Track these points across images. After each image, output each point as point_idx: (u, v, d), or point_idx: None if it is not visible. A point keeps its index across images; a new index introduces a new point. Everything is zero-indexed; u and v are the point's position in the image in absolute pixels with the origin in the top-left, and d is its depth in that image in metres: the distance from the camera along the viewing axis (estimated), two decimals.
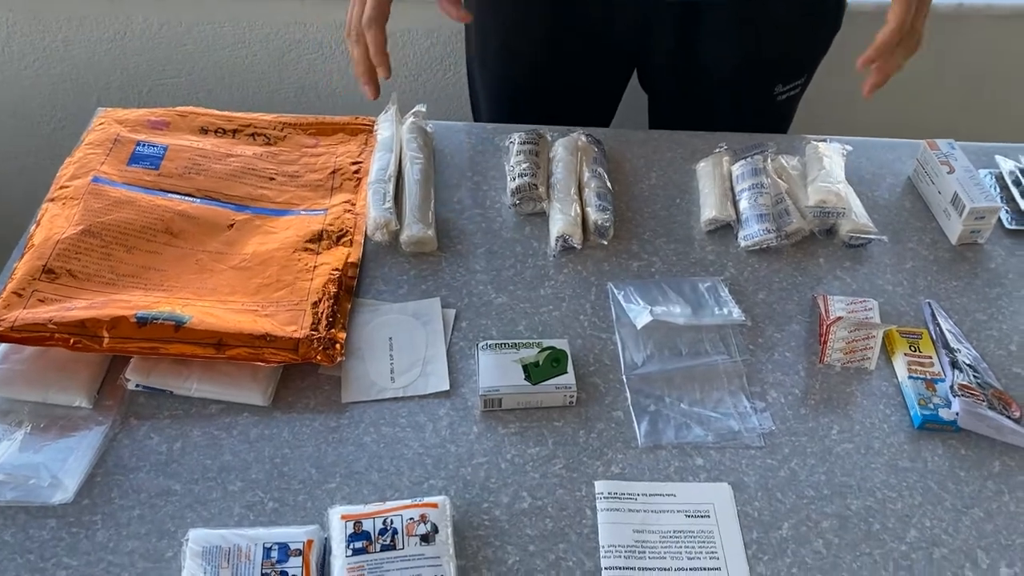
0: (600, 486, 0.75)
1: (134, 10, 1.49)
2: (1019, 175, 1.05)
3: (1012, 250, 0.98)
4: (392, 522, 0.69)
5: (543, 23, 1.11)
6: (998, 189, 1.05)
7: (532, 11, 1.11)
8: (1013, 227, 1.00)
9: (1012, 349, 0.88)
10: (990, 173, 1.07)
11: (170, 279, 0.87)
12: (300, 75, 1.57)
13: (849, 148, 1.04)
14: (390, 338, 0.85)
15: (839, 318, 0.83)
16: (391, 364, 0.83)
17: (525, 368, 0.81)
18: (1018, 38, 1.46)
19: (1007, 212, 1.02)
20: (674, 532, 0.72)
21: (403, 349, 0.84)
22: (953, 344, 0.86)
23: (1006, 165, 1.07)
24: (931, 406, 0.80)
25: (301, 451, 0.76)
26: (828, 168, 0.98)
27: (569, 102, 1.19)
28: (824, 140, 1.04)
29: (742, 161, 1.01)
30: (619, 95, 1.25)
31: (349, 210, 0.97)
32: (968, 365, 0.83)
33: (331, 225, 0.95)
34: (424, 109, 1.07)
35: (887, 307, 0.91)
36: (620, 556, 0.70)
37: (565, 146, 1.03)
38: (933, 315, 0.89)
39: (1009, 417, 0.79)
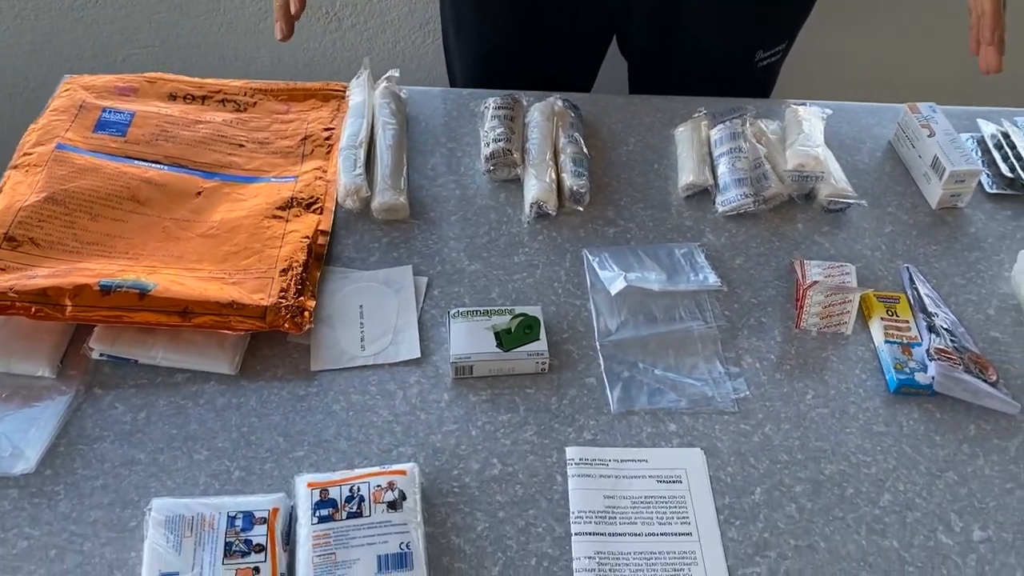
0: (571, 452, 0.74)
1: None
2: (1001, 139, 1.04)
3: (992, 214, 0.97)
4: (359, 489, 0.68)
5: None
6: (980, 153, 1.04)
7: None
8: (994, 191, 0.99)
9: (990, 313, 0.87)
10: (972, 137, 1.06)
11: (136, 247, 0.85)
12: (275, 44, 1.54)
13: (829, 112, 1.03)
14: (361, 306, 0.84)
15: (815, 282, 0.82)
16: (361, 332, 0.82)
17: (497, 335, 0.79)
18: None
19: (988, 176, 1.01)
20: (645, 498, 0.71)
21: (374, 317, 0.83)
22: (931, 308, 0.85)
23: (988, 129, 1.05)
24: (907, 370, 0.79)
25: (268, 420, 0.75)
26: (807, 132, 0.96)
27: (546, 68, 1.17)
28: (803, 104, 1.02)
29: (720, 125, 0.99)
30: (599, 61, 1.23)
31: (320, 177, 0.95)
32: (945, 329, 0.83)
33: (301, 192, 0.93)
34: (397, 74, 1.05)
35: (865, 272, 0.90)
36: (590, 522, 0.69)
37: (541, 111, 1.01)
38: (911, 279, 0.88)
39: (986, 381, 0.79)
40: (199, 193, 0.92)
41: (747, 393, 0.79)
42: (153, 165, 0.93)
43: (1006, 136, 1.03)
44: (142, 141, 0.96)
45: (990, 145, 1.03)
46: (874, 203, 0.97)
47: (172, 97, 1.03)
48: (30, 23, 1.51)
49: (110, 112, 0.98)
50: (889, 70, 1.56)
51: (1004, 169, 1.00)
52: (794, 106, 1.01)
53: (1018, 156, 1.01)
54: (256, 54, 1.55)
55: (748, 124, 0.98)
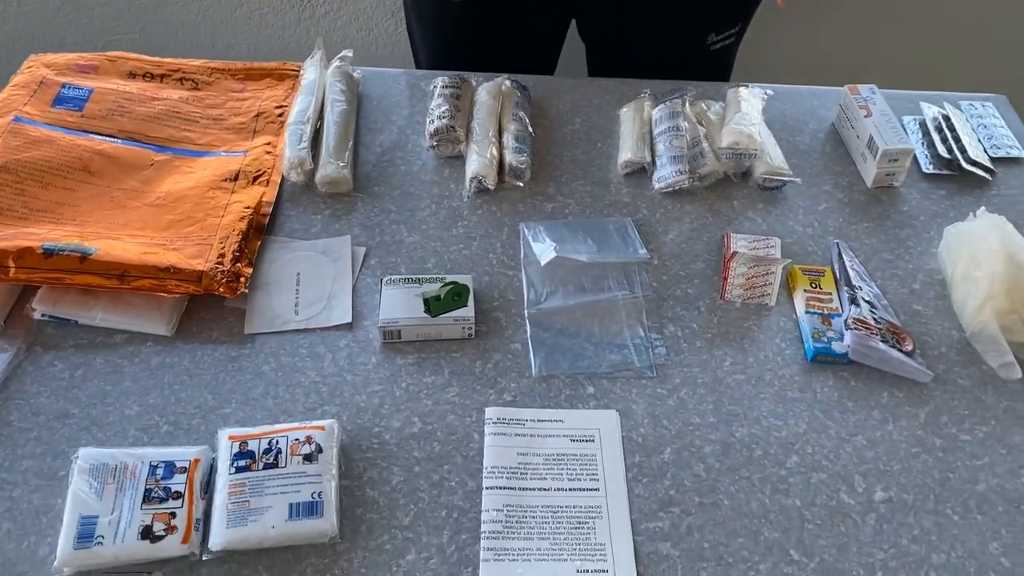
0: (490, 412, 0.76)
1: None
2: (941, 121, 1.05)
3: (927, 193, 0.99)
4: (278, 442, 0.70)
5: None
6: (921, 135, 1.05)
7: None
8: (930, 171, 1.01)
9: (915, 287, 0.89)
10: (914, 119, 1.07)
11: (83, 214, 0.88)
12: (252, 30, 1.57)
13: (770, 93, 1.05)
14: (298, 273, 0.86)
15: (735, 253, 0.84)
16: (296, 298, 0.84)
17: (426, 302, 0.82)
18: None
19: (926, 156, 1.02)
20: (558, 455, 0.73)
21: (310, 284, 0.86)
22: (855, 282, 0.87)
23: (930, 112, 1.07)
24: (824, 339, 0.81)
25: (200, 379, 0.78)
26: (745, 111, 0.98)
27: (505, 51, 1.19)
28: (746, 86, 1.04)
29: (661, 105, 1.01)
30: (558, 44, 1.26)
31: (269, 152, 0.98)
32: (867, 301, 0.84)
33: (249, 166, 0.96)
34: (351, 55, 1.08)
35: (796, 247, 0.92)
36: (502, 477, 0.72)
37: (488, 90, 1.03)
38: (840, 254, 0.90)
39: (901, 350, 0.80)
40: (151, 165, 0.95)
41: (666, 359, 0.81)
42: (107, 139, 0.96)
43: (947, 119, 1.05)
44: (98, 116, 0.99)
45: (931, 127, 1.05)
46: (811, 182, 0.99)
47: (132, 75, 1.06)
48: (13, 10, 1.55)
49: (69, 88, 1.01)
50: (864, 57, 1.57)
51: (942, 150, 1.02)
52: (736, 88, 1.03)
53: (956, 138, 1.02)
54: (233, 41, 1.59)
55: (687, 104, 1.00)
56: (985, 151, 1.03)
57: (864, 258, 0.91)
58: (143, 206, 0.90)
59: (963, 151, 1.01)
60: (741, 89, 1.03)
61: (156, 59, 1.08)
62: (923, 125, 1.06)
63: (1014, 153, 1.03)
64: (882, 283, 0.89)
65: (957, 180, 1.00)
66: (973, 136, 1.04)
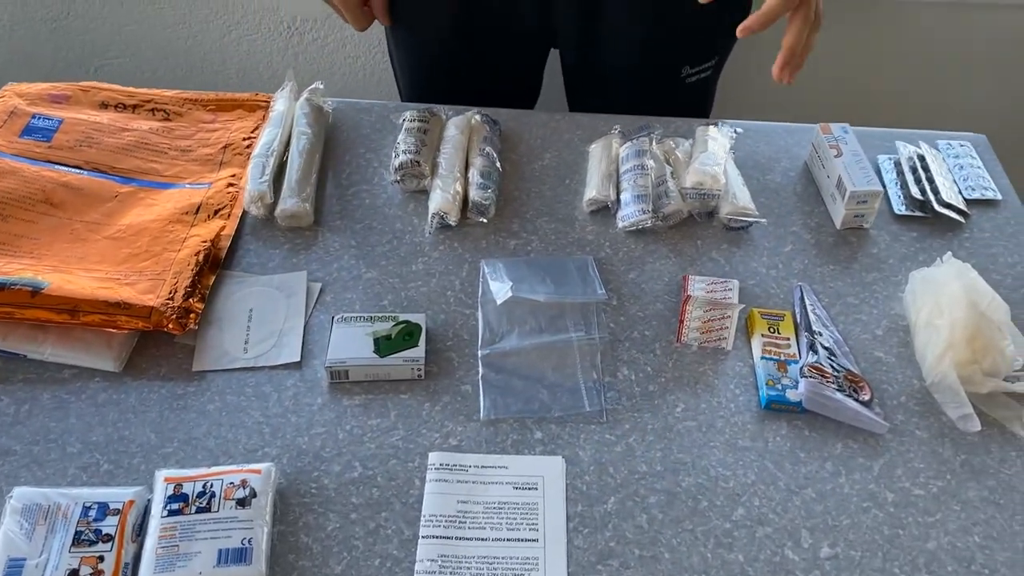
0: (433, 457, 0.75)
1: None
2: (916, 161, 1.04)
3: (897, 235, 0.97)
4: (212, 486, 0.70)
5: (448, 5, 1.11)
6: (895, 175, 1.04)
7: None
8: (903, 212, 0.99)
9: (878, 333, 0.87)
10: (890, 159, 1.06)
11: (41, 247, 0.88)
12: (242, 56, 1.58)
13: (740, 131, 1.04)
14: (251, 309, 0.86)
15: (689, 296, 0.83)
16: (247, 335, 0.84)
17: (376, 341, 0.81)
18: (955, 25, 1.44)
19: (899, 197, 1.01)
20: (499, 504, 0.72)
21: (261, 320, 0.85)
22: (816, 327, 0.85)
23: (905, 151, 1.05)
24: (779, 387, 0.80)
25: (144, 416, 0.78)
26: (711, 150, 0.97)
27: (483, 82, 1.19)
28: (715, 124, 1.03)
29: (628, 143, 1.01)
30: (538, 75, 1.25)
31: (233, 184, 0.98)
32: (825, 347, 0.83)
33: (211, 198, 0.96)
34: (321, 86, 1.08)
35: (758, 290, 0.90)
36: (440, 526, 0.70)
37: (456, 125, 1.03)
38: (802, 298, 0.88)
39: (858, 400, 0.79)
40: (115, 197, 0.95)
41: (618, 404, 0.80)
42: (73, 170, 0.97)
43: (922, 158, 1.03)
44: (65, 147, 0.99)
45: (905, 167, 1.03)
46: (779, 222, 0.98)
47: (104, 105, 1.07)
48: (6, 33, 1.57)
49: (39, 118, 1.02)
50: (855, 93, 1.56)
51: (915, 191, 1.00)
52: (705, 125, 1.02)
53: (930, 179, 1.01)
54: (222, 67, 1.60)
55: (654, 142, 1.00)
56: (960, 192, 1.01)
57: (828, 302, 0.89)
58: (102, 239, 0.90)
59: (936, 192, 0.99)
60: (710, 127, 1.02)
61: (129, 89, 1.09)
62: (898, 165, 1.05)
63: (989, 195, 1.01)
64: (844, 328, 0.87)
65: (929, 222, 0.98)
66: (948, 177, 1.03)
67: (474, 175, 0.98)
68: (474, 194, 0.96)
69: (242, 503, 0.69)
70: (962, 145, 1.08)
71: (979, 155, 1.07)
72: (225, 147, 1.03)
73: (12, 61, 1.59)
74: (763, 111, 1.45)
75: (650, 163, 0.97)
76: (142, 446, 0.75)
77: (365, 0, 1.10)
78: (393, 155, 0.99)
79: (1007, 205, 1.01)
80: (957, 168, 1.04)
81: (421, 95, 1.22)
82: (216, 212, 0.94)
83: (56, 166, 0.97)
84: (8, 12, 1.54)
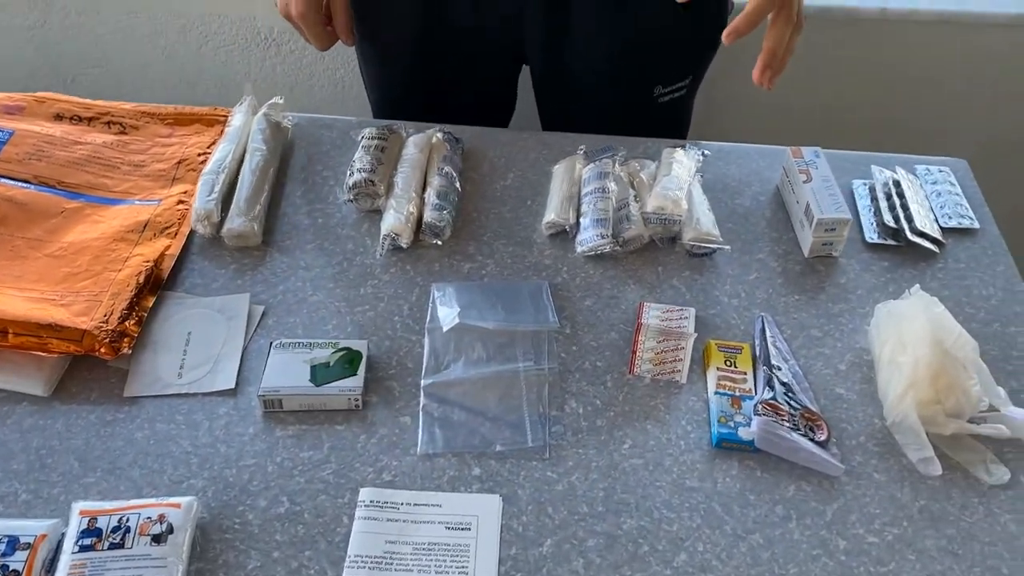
0: (364, 493, 0.72)
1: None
2: (891, 187, 1.00)
3: (868, 264, 0.93)
4: (128, 520, 0.67)
5: (413, 21, 1.09)
6: (870, 200, 1.00)
7: (399, 13, 1.08)
8: (875, 240, 0.95)
9: (841, 368, 0.83)
10: (864, 184, 1.02)
11: None
12: (218, 67, 1.56)
13: (707, 153, 1.00)
14: (189, 333, 0.83)
15: (640, 325, 0.80)
16: (183, 359, 0.81)
17: (313, 369, 0.78)
18: (939, 45, 1.41)
19: (872, 225, 0.97)
20: (429, 544, 0.69)
21: (199, 344, 0.82)
22: (775, 361, 0.81)
23: (881, 176, 1.02)
24: (731, 424, 0.76)
25: (70, 443, 0.75)
26: (675, 173, 0.94)
27: (454, 99, 1.16)
28: (683, 146, 1.00)
29: (592, 164, 0.97)
30: (511, 91, 1.22)
31: (183, 201, 0.95)
32: (783, 383, 0.79)
33: (160, 216, 0.93)
34: (281, 101, 1.06)
35: (718, 319, 0.87)
36: (364, 567, 0.67)
37: (416, 143, 1.00)
38: (763, 329, 0.85)
39: (813, 440, 0.75)
40: (61, 213, 0.93)
41: (562, 439, 0.76)
42: (20, 184, 0.94)
43: (897, 184, 1.00)
44: (14, 160, 0.97)
45: (879, 193, 1.00)
46: (745, 249, 0.94)
47: (59, 117, 1.04)
48: None
49: None
50: (846, 115, 1.52)
51: (888, 219, 0.96)
52: (670, 147, 0.99)
53: (904, 206, 0.97)
54: (198, 78, 1.58)
55: (617, 164, 0.96)
56: (936, 220, 0.98)
57: (790, 334, 0.86)
58: (43, 257, 0.88)
59: (910, 220, 0.95)
60: (677, 150, 0.98)
61: (86, 101, 1.06)
62: (872, 190, 1.01)
63: (965, 223, 0.97)
64: (806, 362, 0.83)
65: (902, 251, 0.95)
66: (924, 204, 0.99)
67: (430, 195, 0.95)
68: (428, 215, 0.93)
69: (157, 539, 0.66)
70: (941, 170, 1.04)
71: (959, 181, 1.03)
72: (179, 162, 1.00)
73: None
74: (745, 132, 1.42)
75: (612, 186, 0.94)
76: (64, 475, 0.73)
77: (328, 19, 1.07)
78: (348, 173, 0.96)
79: (984, 234, 0.97)
80: (934, 195, 1.01)
81: (391, 112, 1.19)
82: (163, 230, 0.92)
83: (3, 180, 0.94)
84: None
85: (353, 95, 1.56)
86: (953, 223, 0.98)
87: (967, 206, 1.00)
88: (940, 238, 0.95)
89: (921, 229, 0.95)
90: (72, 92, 1.56)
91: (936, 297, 0.85)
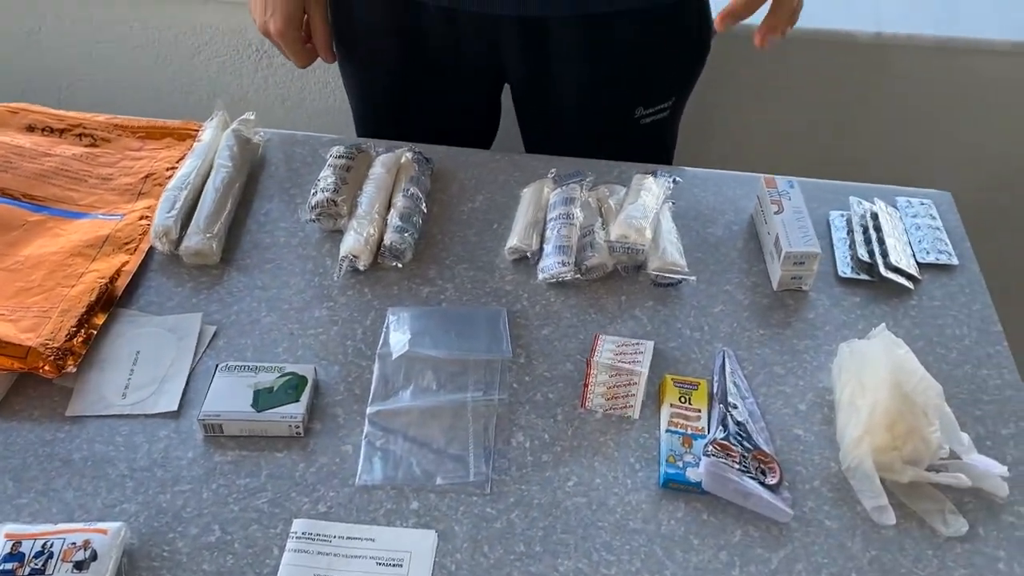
0: (297, 524, 0.70)
1: (47, 6, 1.50)
2: (868, 220, 0.97)
3: (839, 299, 0.91)
4: (52, 545, 0.66)
5: (393, 39, 1.07)
6: (846, 232, 0.98)
7: (378, 34, 1.08)
8: (847, 275, 0.93)
9: (801, 408, 0.81)
10: (842, 215, 1.00)
11: None
12: (211, 77, 1.56)
13: (679, 180, 0.98)
14: (138, 352, 0.82)
15: (588, 360, 0.78)
16: (128, 379, 0.80)
17: (256, 394, 0.77)
18: (934, 71, 1.37)
19: (846, 259, 0.94)
20: None
21: (147, 364, 0.81)
22: (732, 399, 0.79)
23: (859, 208, 0.99)
24: (680, 464, 0.74)
25: (7, 463, 0.74)
26: (642, 201, 0.92)
27: (434, 120, 1.15)
28: (653, 172, 0.98)
29: (559, 189, 0.96)
30: (493, 112, 1.21)
31: (146, 216, 0.95)
32: (738, 422, 0.77)
33: (120, 231, 0.92)
34: (252, 117, 1.05)
35: (677, 353, 0.85)
36: None
37: (383, 163, 0.99)
38: (723, 365, 0.83)
39: (764, 483, 0.73)
40: (22, 226, 0.92)
41: (505, 475, 0.74)
42: None
43: (875, 217, 0.97)
44: None
45: (855, 225, 0.97)
46: (712, 280, 0.92)
47: (30, 128, 1.04)
48: None
49: None
50: (843, 147, 1.49)
51: (862, 253, 0.94)
52: (641, 173, 0.97)
53: (881, 240, 0.94)
54: (191, 87, 1.57)
55: (584, 189, 0.95)
56: (913, 255, 0.95)
57: (751, 370, 0.83)
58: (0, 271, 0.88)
59: (885, 255, 0.93)
60: (648, 177, 0.96)
61: (59, 113, 1.06)
62: (849, 222, 0.98)
63: (943, 259, 0.94)
64: (765, 400, 0.81)
65: (876, 287, 0.92)
66: (902, 238, 0.96)
67: (393, 217, 0.93)
68: (389, 237, 0.91)
69: (80, 566, 0.65)
70: (923, 203, 1.01)
71: (942, 214, 1.00)
72: (146, 177, 1.00)
73: None
74: (734, 159, 1.40)
75: (577, 212, 0.92)
76: None
77: (308, 36, 1.07)
78: (312, 192, 0.95)
79: (963, 271, 0.94)
80: (913, 228, 0.98)
81: (373, 130, 1.18)
82: (123, 245, 0.91)
83: None
84: None
85: (346, 107, 1.54)
86: (931, 258, 0.95)
87: (947, 241, 0.97)
88: (916, 274, 0.93)
89: (896, 264, 0.92)
90: (67, 99, 1.58)
91: (908, 335, 0.83)
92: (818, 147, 1.45)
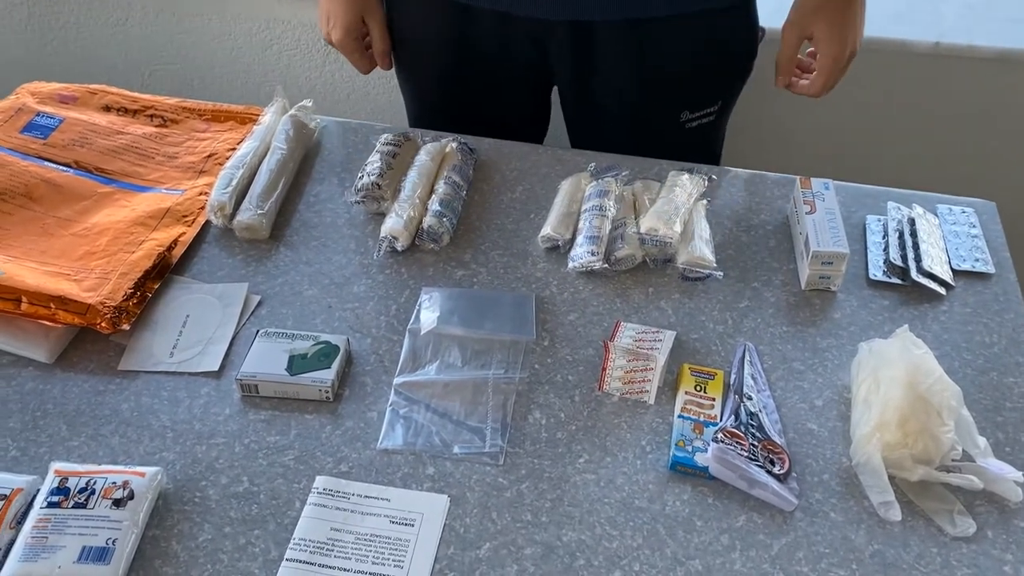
0: (319, 481, 0.75)
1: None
2: (905, 225, 0.97)
3: (867, 302, 0.91)
4: (95, 483, 0.71)
5: (445, 43, 1.12)
6: (881, 236, 0.98)
7: (431, 30, 1.12)
8: (878, 278, 0.93)
9: (817, 403, 0.81)
10: (879, 219, 1.00)
11: (9, 237, 0.93)
12: (281, 70, 1.63)
13: (714, 178, 1.00)
14: (187, 316, 0.88)
15: (606, 343, 0.80)
16: (177, 340, 0.86)
17: (291, 359, 0.82)
18: (990, 82, 1.35)
19: (878, 262, 0.94)
20: (371, 536, 0.71)
21: (195, 327, 0.87)
22: (747, 390, 0.80)
23: (897, 214, 0.99)
24: (689, 449, 0.76)
25: (63, 408, 0.80)
26: (674, 196, 0.94)
27: (486, 117, 1.19)
28: (689, 170, 1.00)
29: (595, 182, 0.98)
30: (543, 111, 1.24)
31: (204, 192, 1.01)
32: (751, 413, 0.78)
33: (180, 205, 0.99)
34: (309, 104, 1.11)
35: (698, 344, 0.86)
36: (306, 550, 0.70)
37: (428, 151, 1.03)
38: (743, 358, 0.84)
39: (771, 472, 0.74)
40: (92, 197, 1.00)
41: (519, 448, 0.77)
42: (61, 167, 1.02)
43: (912, 222, 0.97)
44: (59, 145, 1.05)
45: (891, 230, 0.97)
46: (740, 277, 0.93)
47: (107, 108, 1.12)
48: (73, 35, 1.67)
49: (42, 116, 1.08)
50: (880, 146, 1.48)
51: (896, 257, 0.94)
52: (677, 171, 0.99)
53: (916, 245, 0.94)
54: (264, 80, 1.65)
55: (619, 183, 0.97)
56: (948, 262, 0.94)
57: (771, 365, 0.85)
58: (68, 235, 0.95)
59: (919, 259, 0.93)
60: (683, 174, 0.98)
61: (133, 95, 1.14)
62: (886, 227, 0.98)
63: (979, 267, 0.94)
64: (782, 395, 0.82)
65: (907, 291, 0.92)
66: (939, 245, 0.96)
67: (434, 202, 0.97)
68: (427, 221, 0.95)
69: (118, 503, 0.70)
70: (964, 211, 1.01)
71: (983, 223, 1.00)
72: (208, 156, 1.06)
73: (76, 63, 1.70)
74: (783, 161, 1.40)
75: (611, 204, 0.95)
76: (52, 436, 0.78)
77: (368, 44, 1.13)
78: (358, 176, 1.00)
79: (999, 280, 0.93)
80: (951, 235, 0.97)
81: (426, 126, 1.23)
82: (182, 218, 0.97)
83: (45, 163, 1.02)
84: (75, 14, 1.64)
85: (402, 104, 1.61)
86: (967, 265, 0.94)
87: (984, 249, 0.96)
88: (950, 280, 0.92)
89: (929, 269, 0.92)
90: (148, 86, 1.67)
91: (935, 339, 0.83)
92: (867, 155, 1.44)
